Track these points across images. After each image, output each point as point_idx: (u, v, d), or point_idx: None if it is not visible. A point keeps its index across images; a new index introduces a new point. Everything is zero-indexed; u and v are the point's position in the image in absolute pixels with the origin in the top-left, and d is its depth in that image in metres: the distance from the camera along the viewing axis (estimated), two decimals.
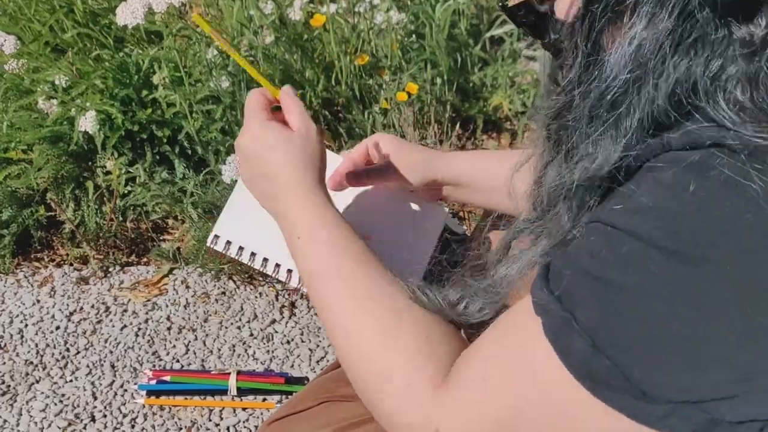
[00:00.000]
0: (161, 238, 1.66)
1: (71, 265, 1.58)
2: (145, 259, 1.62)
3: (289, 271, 0.94)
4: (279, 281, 0.88)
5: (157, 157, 1.68)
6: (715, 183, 0.44)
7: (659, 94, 0.48)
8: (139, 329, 1.43)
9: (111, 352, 1.38)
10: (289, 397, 1.31)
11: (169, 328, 1.43)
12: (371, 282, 0.68)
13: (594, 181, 0.52)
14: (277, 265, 0.94)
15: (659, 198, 0.46)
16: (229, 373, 1.29)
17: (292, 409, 0.87)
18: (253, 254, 0.94)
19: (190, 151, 1.69)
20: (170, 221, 1.70)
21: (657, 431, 0.47)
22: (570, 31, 0.53)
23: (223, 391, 1.29)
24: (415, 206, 0.97)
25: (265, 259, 0.94)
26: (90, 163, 1.67)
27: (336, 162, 0.94)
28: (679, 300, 0.45)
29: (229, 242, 0.95)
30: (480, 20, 2.09)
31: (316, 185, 0.75)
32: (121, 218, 1.64)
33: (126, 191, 1.63)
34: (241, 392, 1.29)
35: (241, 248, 0.95)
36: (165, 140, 1.65)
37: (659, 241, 0.45)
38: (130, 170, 1.54)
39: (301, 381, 1.34)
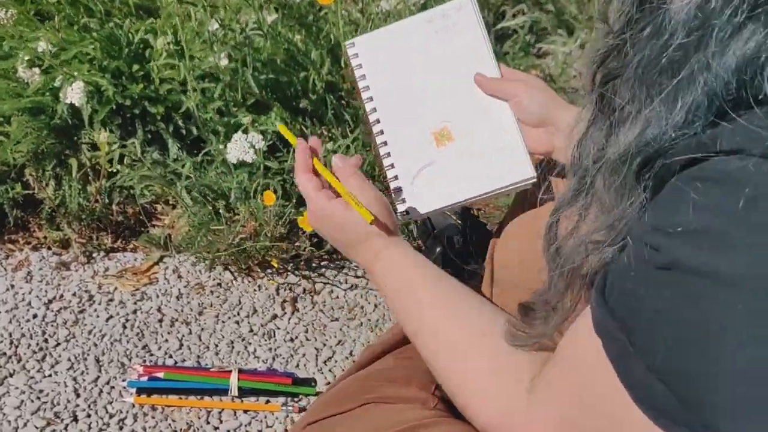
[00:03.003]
0: (150, 224, 1.52)
1: (49, 248, 1.44)
2: (131, 246, 1.48)
3: (391, 164, 0.91)
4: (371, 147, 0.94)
5: (148, 136, 1.54)
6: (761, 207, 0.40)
7: (724, 68, 0.41)
8: (127, 320, 1.29)
9: (95, 344, 1.25)
10: (295, 399, 1.19)
11: (160, 321, 1.30)
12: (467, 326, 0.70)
13: (638, 158, 0.46)
14: (381, 132, 0.92)
15: (707, 220, 0.42)
16: (230, 371, 1.17)
17: (330, 411, 0.76)
18: (370, 98, 0.93)
19: (184, 131, 1.56)
20: (159, 206, 1.56)
21: None
22: None
23: (223, 391, 1.17)
24: (514, 146, 0.91)
25: (377, 116, 0.93)
26: (75, 138, 1.53)
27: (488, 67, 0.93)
28: (730, 332, 0.41)
29: (357, 56, 0.95)
30: (487, 11, 2.01)
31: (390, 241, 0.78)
32: (106, 200, 1.50)
33: (114, 169, 1.49)
34: (243, 393, 1.17)
35: (363, 77, 0.94)
36: (159, 117, 1.52)
37: (707, 270, 0.42)
38: (124, 143, 1.41)
39: (308, 382, 1.22)
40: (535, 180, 0.91)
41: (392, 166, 0.92)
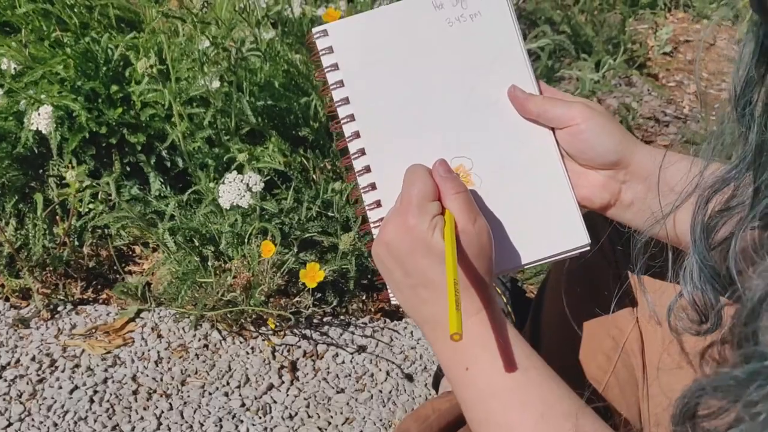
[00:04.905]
0: (126, 269, 1.32)
1: (7, 300, 1.23)
2: (104, 296, 1.28)
3: (373, 186, 0.67)
4: (345, 168, 0.75)
5: (127, 168, 1.35)
6: None
7: None
8: (96, 392, 1.09)
9: (55, 424, 1.04)
10: None
11: (135, 392, 1.10)
12: None
13: None
14: (362, 152, 0.67)
15: None
16: None
17: None
18: (346, 99, 0.68)
19: (168, 163, 1.37)
20: (138, 248, 1.37)
21: None
22: None
23: None
24: (569, 208, 0.69)
25: (353, 123, 0.67)
26: (41, 170, 1.33)
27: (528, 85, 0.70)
28: None
29: (331, 51, 0.68)
30: None
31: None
32: (76, 242, 1.30)
33: (86, 209, 1.29)
34: None
35: (335, 67, 0.68)
36: (139, 148, 1.32)
37: None
38: (96, 182, 1.21)
39: None
40: (589, 248, 0.70)
41: (377, 204, 0.67)
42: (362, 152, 0.67)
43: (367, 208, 0.67)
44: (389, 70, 0.68)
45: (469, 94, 0.69)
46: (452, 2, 0.69)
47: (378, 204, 0.67)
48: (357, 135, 0.67)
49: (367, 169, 0.67)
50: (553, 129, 0.69)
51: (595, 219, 0.91)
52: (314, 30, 0.68)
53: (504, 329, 0.60)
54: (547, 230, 0.68)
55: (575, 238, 0.69)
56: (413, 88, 0.68)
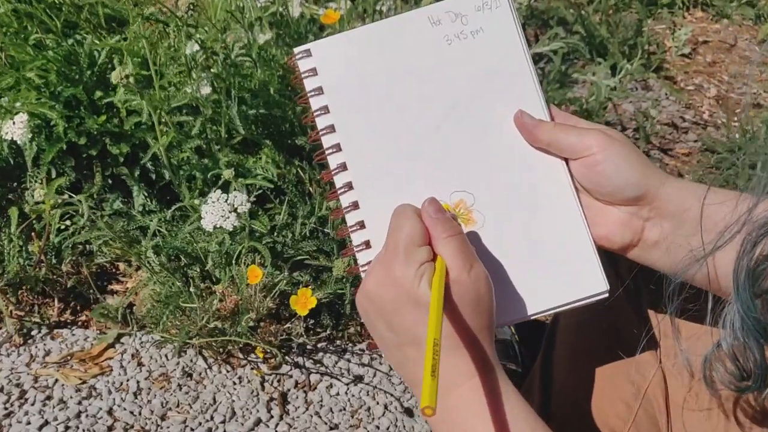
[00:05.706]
0: (109, 287, 1.24)
1: None
2: (83, 318, 1.20)
3: (362, 225, 0.59)
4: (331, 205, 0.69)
5: (109, 180, 1.26)
6: None
7: None
8: (67, 428, 1.00)
9: None
10: None
11: (110, 428, 1.01)
12: None
13: None
14: (349, 187, 0.60)
15: None
16: None
17: None
18: (332, 127, 0.60)
19: (154, 175, 1.28)
20: (121, 265, 1.28)
21: None
22: None
23: None
24: (586, 256, 0.60)
25: (339, 154, 0.60)
26: (16, 183, 1.24)
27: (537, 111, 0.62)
28: None
29: (314, 73, 0.61)
30: None
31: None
32: (54, 260, 1.21)
33: (64, 225, 1.21)
34: None
35: (320, 92, 0.60)
36: (122, 159, 1.23)
37: None
38: (70, 197, 1.12)
39: None
40: (608, 295, 0.61)
41: (366, 244, 0.59)
42: (349, 186, 0.59)
43: (355, 248, 0.59)
44: (380, 94, 0.60)
45: (470, 120, 0.60)
46: (451, 17, 0.61)
47: (367, 245, 0.59)
48: (344, 167, 0.59)
49: (355, 206, 0.59)
50: (566, 159, 0.61)
51: (615, 256, 0.82)
52: (296, 50, 0.60)
53: (501, 397, 0.53)
54: (559, 275, 0.60)
55: (592, 283, 0.60)
56: (407, 113, 0.60)
